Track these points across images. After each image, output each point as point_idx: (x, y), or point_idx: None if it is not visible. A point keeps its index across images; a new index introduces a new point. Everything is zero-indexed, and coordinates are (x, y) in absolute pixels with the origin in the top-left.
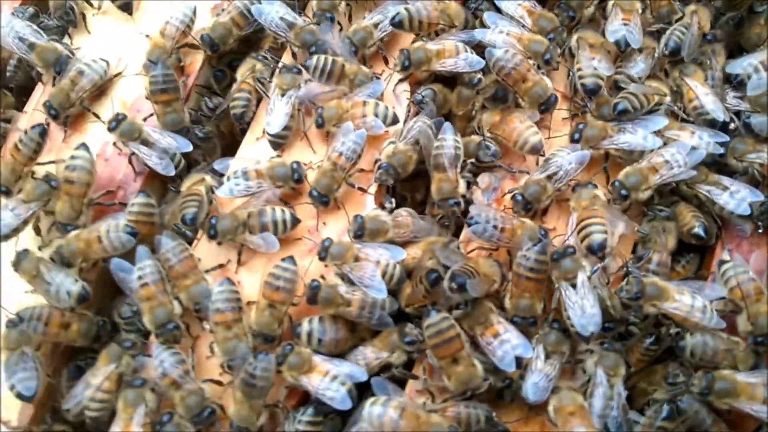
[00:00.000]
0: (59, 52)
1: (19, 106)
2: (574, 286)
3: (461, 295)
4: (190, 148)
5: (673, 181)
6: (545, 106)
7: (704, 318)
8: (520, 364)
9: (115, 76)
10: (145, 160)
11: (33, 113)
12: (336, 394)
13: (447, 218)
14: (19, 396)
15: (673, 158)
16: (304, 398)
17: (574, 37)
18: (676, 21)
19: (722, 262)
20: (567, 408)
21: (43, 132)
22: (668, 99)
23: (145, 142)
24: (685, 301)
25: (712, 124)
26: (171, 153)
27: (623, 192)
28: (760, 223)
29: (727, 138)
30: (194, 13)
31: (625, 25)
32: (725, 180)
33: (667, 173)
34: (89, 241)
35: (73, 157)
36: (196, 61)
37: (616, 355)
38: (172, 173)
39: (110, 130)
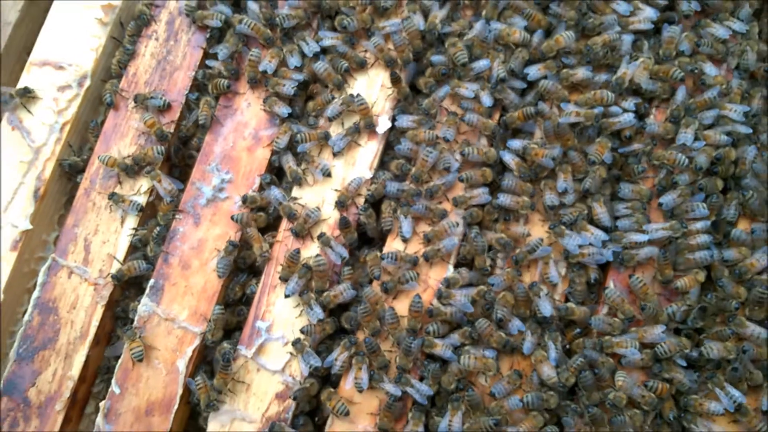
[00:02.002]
0: (293, 208)
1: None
2: (539, 297)
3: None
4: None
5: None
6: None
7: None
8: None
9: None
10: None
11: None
12: (450, 355)
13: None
14: (315, 368)
15: (595, 253)
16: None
17: (543, 183)
18: (589, 174)
19: (605, 289)
20: (539, 357)
21: (297, 252)
22: (585, 212)
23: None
24: (584, 309)
25: (605, 229)
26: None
27: (566, 256)
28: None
29: (607, 237)
30: (362, 181)
31: (565, 181)
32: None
33: (588, 259)
34: (336, 296)
35: (317, 257)
36: (361, 199)
37: (556, 333)
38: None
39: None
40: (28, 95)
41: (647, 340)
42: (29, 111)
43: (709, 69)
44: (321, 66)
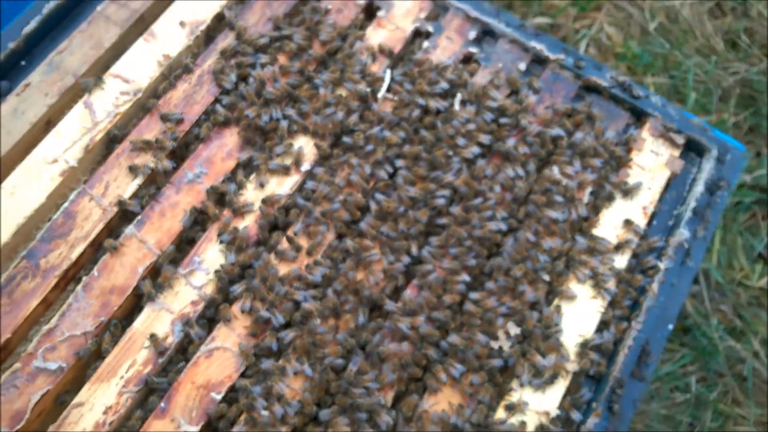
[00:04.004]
0: (234, 200)
1: None
2: (363, 288)
3: None
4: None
5: None
6: None
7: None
8: None
9: None
10: None
11: None
12: (303, 299)
13: None
14: (222, 288)
15: (400, 270)
16: None
17: (387, 223)
18: (414, 226)
19: (404, 291)
20: (348, 318)
21: (229, 220)
22: (407, 248)
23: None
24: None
25: (412, 257)
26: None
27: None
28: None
29: (410, 261)
30: (283, 196)
31: (402, 226)
32: None
33: (394, 272)
34: (249, 256)
35: (244, 228)
36: (279, 205)
37: (367, 308)
38: None
39: None
40: (99, 82)
41: (416, 325)
42: (101, 88)
43: (497, 189)
44: (282, 123)
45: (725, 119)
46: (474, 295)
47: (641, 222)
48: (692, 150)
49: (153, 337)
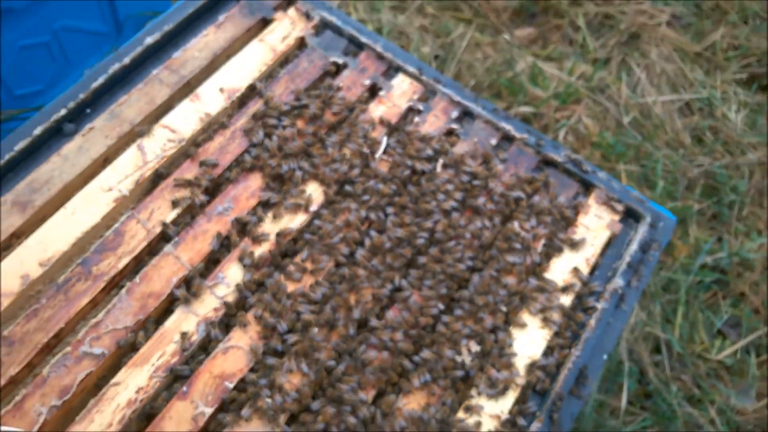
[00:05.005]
0: (254, 231)
1: None
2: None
3: None
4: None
5: None
6: None
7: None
8: None
9: None
10: None
11: None
12: (304, 310)
13: None
14: (243, 298)
15: (387, 295)
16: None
17: (378, 257)
18: (399, 260)
19: (388, 312)
20: (341, 330)
21: (247, 246)
22: (394, 279)
23: None
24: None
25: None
26: None
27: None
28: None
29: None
30: (294, 230)
31: (389, 261)
32: None
33: (381, 296)
34: (263, 274)
35: (261, 254)
36: (289, 237)
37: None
38: None
39: None
40: (151, 130)
41: (395, 339)
42: (152, 135)
43: (468, 236)
44: (297, 173)
45: (690, 206)
46: (444, 319)
47: (584, 270)
48: (631, 216)
49: (184, 335)
